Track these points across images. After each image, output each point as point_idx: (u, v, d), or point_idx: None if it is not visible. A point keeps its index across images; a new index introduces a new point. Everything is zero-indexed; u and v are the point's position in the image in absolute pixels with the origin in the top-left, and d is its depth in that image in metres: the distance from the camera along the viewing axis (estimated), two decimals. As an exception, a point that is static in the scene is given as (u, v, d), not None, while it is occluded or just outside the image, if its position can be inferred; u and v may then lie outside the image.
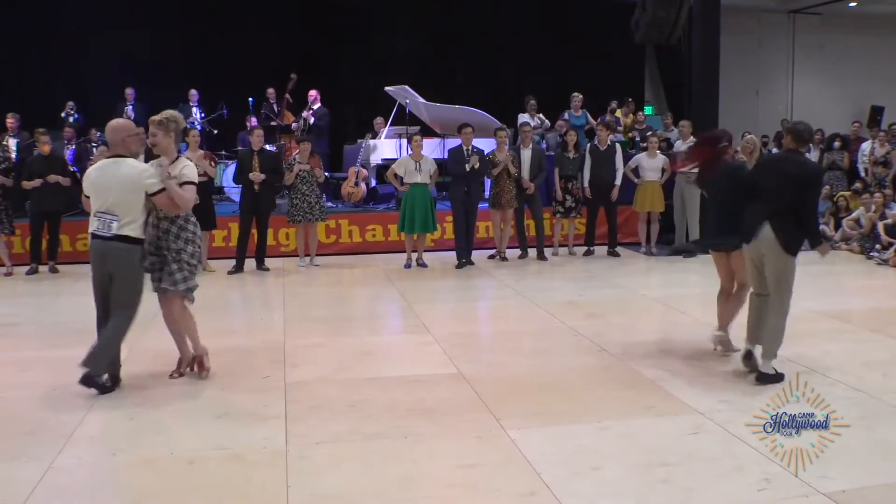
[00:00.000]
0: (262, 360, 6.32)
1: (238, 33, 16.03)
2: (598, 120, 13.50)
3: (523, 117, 13.65)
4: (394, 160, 11.54)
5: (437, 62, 17.53)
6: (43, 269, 10.51)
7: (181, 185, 5.54)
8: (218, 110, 14.32)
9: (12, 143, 12.18)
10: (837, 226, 12.74)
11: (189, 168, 5.69)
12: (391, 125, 13.80)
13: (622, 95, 15.55)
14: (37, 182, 10.21)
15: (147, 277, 5.63)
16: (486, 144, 11.73)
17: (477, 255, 11.07)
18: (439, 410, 5.13)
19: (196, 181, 5.77)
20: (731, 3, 14.73)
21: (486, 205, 11.30)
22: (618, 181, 11.49)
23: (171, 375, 5.83)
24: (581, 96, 14.14)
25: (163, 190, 5.45)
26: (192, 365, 5.89)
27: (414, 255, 10.80)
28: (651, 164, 11.58)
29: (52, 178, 10.28)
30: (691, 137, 11.43)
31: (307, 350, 6.62)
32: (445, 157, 11.43)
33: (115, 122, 5.77)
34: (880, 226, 11.45)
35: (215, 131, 14.37)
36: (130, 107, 13.88)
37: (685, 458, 4.35)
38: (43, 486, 4.07)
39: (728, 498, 3.91)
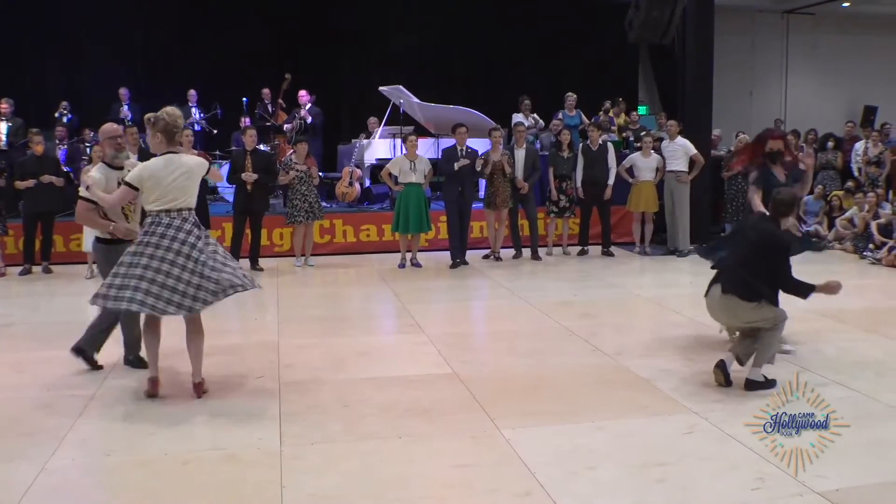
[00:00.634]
0: (256, 360, 6.31)
1: (232, 33, 15.98)
2: (591, 120, 13.52)
3: (517, 117, 13.65)
4: (388, 160, 11.54)
5: (432, 62, 17.52)
6: (36, 269, 10.48)
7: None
8: (212, 110, 14.30)
9: (3, 126, 12.15)
10: (831, 225, 12.78)
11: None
12: (385, 125, 13.79)
13: (616, 95, 15.54)
14: (30, 182, 10.18)
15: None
16: (480, 144, 11.74)
17: (471, 254, 11.07)
18: (434, 410, 5.13)
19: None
20: (725, 3, 14.76)
21: (481, 205, 11.29)
22: (610, 181, 11.50)
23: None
24: (575, 96, 14.15)
25: (83, 198, 5.60)
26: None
27: (408, 255, 10.80)
28: (645, 164, 11.59)
29: (46, 178, 10.25)
30: (678, 137, 11.46)
31: (301, 350, 6.62)
32: (440, 156, 11.43)
33: (103, 126, 5.93)
34: (873, 225, 11.48)
35: (215, 131, 14.34)
36: (126, 107, 13.85)
37: (680, 458, 4.36)
38: (36, 487, 4.06)
39: (723, 497, 3.92)
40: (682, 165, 11.37)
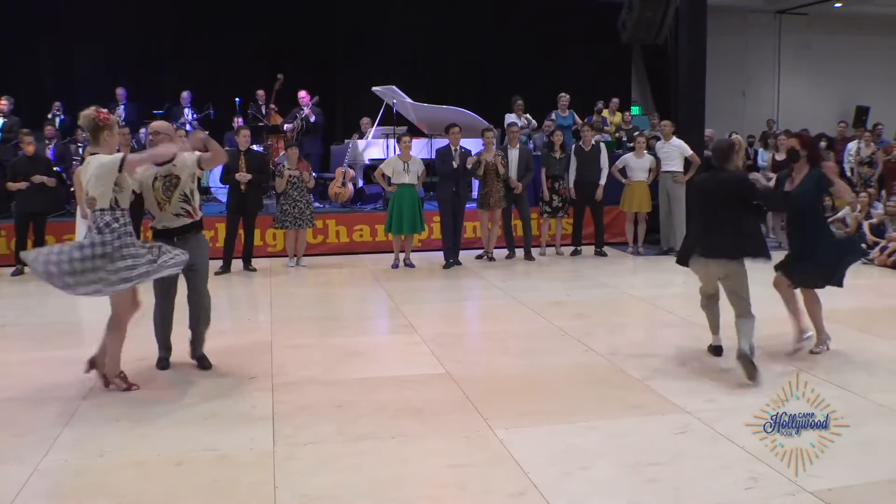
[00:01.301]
0: (249, 360, 6.30)
1: (224, 33, 15.96)
2: (585, 121, 13.54)
3: (510, 117, 13.66)
4: (381, 160, 11.53)
5: (425, 62, 17.50)
6: (28, 269, 10.43)
7: None
8: (205, 110, 14.27)
9: None
10: (823, 225, 12.80)
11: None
12: (378, 125, 13.78)
13: (609, 96, 15.56)
14: (22, 185, 10.13)
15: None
16: (473, 144, 11.74)
17: (464, 255, 11.07)
18: (427, 411, 5.13)
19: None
20: (718, 3, 14.78)
21: (474, 205, 11.30)
22: (602, 181, 11.51)
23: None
24: (568, 96, 14.17)
25: None
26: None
27: (401, 256, 10.80)
28: (638, 165, 11.61)
29: (37, 178, 10.20)
30: (673, 137, 11.48)
31: (295, 351, 6.61)
32: (433, 157, 11.42)
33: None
34: (866, 225, 11.51)
35: (206, 132, 14.29)
36: (122, 107, 13.82)
37: (673, 458, 4.37)
38: (29, 488, 4.05)
39: (715, 496, 3.93)
40: (677, 166, 11.39)
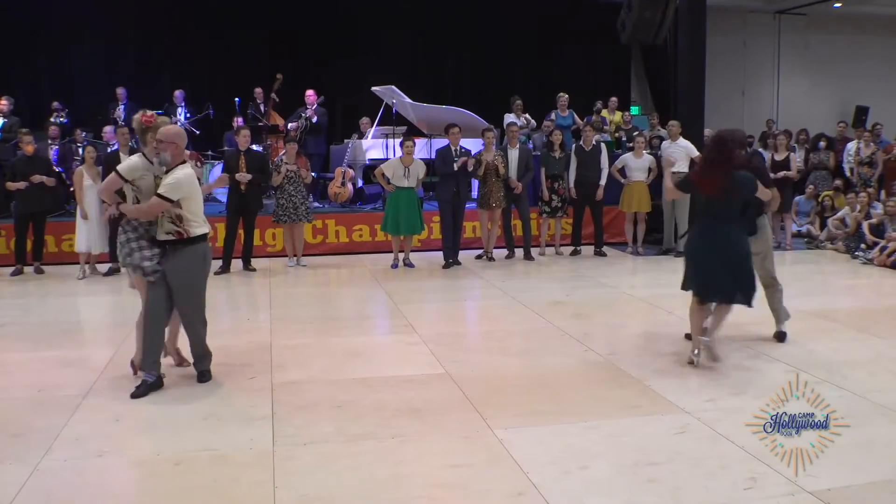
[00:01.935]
0: (248, 360, 6.30)
1: (223, 33, 15.98)
2: (585, 120, 13.54)
3: (510, 117, 13.66)
4: (380, 160, 11.53)
5: (425, 62, 17.53)
6: (28, 269, 10.45)
7: None
8: (204, 110, 14.26)
9: None
10: (823, 225, 12.82)
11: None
12: (378, 125, 13.78)
13: (608, 96, 15.55)
14: (21, 184, 10.12)
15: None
16: (473, 144, 11.74)
17: (464, 255, 11.08)
18: (427, 410, 5.13)
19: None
20: (717, 3, 14.79)
21: (474, 205, 11.30)
22: (602, 181, 11.51)
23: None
24: (567, 96, 14.17)
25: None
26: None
27: (401, 256, 10.80)
28: (637, 165, 11.61)
29: (37, 178, 10.19)
30: (680, 138, 11.47)
31: (294, 350, 6.61)
32: (432, 157, 11.42)
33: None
34: (865, 225, 11.51)
35: (197, 132, 14.29)
36: (122, 107, 13.81)
37: (672, 458, 4.37)
38: (28, 488, 4.05)
39: (714, 496, 3.93)
40: (683, 166, 11.36)
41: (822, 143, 14.21)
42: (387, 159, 11.66)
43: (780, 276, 6.77)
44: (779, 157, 12.26)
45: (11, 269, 10.36)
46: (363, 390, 5.54)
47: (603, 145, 11.90)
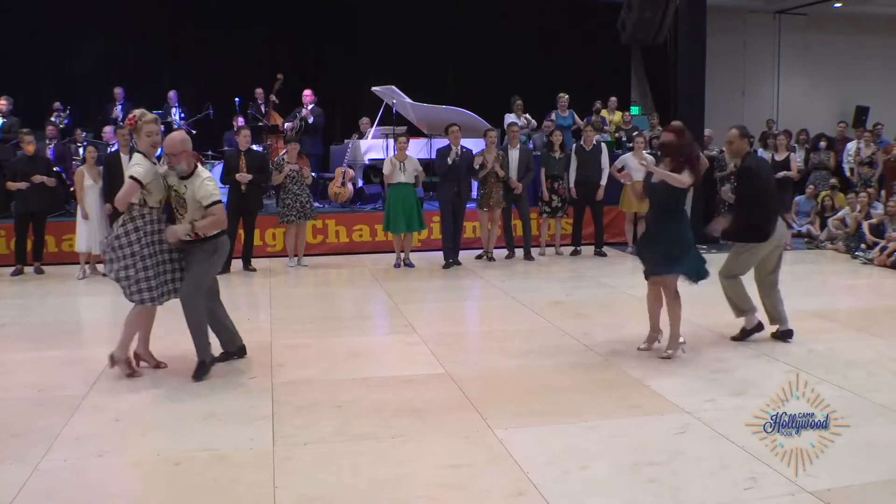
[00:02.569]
0: (248, 360, 6.30)
1: (224, 33, 15.97)
2: (585, 121, 13.54)
3: (510, 117, 13.66)
4: (380, 160, 11.53)
5: (425, 62, 17.54)
6: (28, 269, 10.45)
7: None
8: (204, 110, 14.25)
9: None
10: (823, 225, 12.82)
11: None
12: (378, 125, 13.78)
13: (608, 96, 15.56)
14: (22, 185, 10.12)
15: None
16: (473, 144, 11.74)
17: (464, 255, 11.08)
18: (427, 410, 5.13)
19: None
20: (717, 3, 14.78)
21: (474, 205, 11.30)
22: (603, 181, 11.50)
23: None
24: (567, 96, 14.17)
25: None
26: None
27: (401, 255, 10.79)
28: (637, 165, 11.55)
29: (37, 178, 10.19)
30: None
31: (294, 350, 6.61)
32: (433, 157, 11.42)
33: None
34: (865, 225, 11.51)
35: (194, 132, 14.27)
36: (119, 107, 13.81)
37: (672, 457, 4.37)
38: (28, 488, 4.05)
39: (715, 496, 3.92)
40: None
41: (823, 144, 14.21)
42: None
43: (781, 275, 6.77)
44: (779, 157, 12.26)
45: (11, 269, 10.37)
46: (363, 390, 5.54)
47: (603, 145, 11.91)
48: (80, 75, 15.50)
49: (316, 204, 12.13)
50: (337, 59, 16.81)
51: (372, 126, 13.83)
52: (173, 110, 14.25)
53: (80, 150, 12.10)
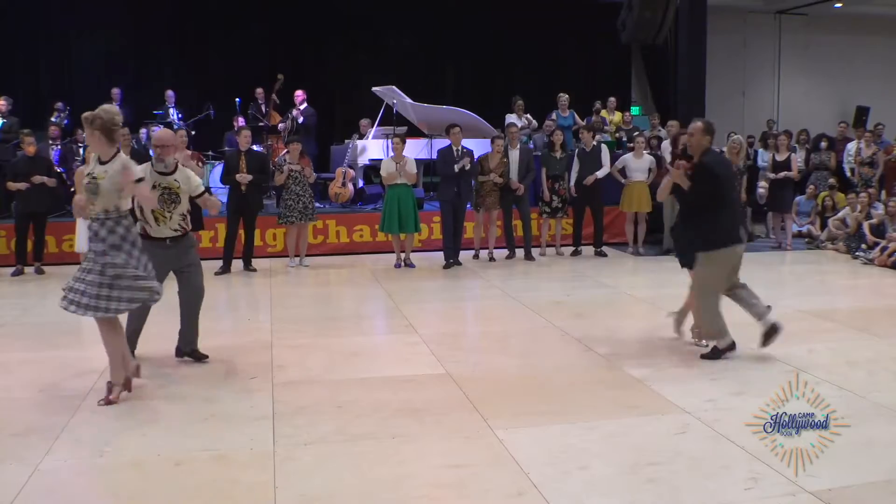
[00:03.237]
0: (249, 361, 6.30)
1: (224, 33, 16.00)
2: (585, 121, 13.54)
3: (510, 118, 13.67)
4: (381, 161, 11.52)
5: (425, 63, 17.54)
6: (28, 270, 10.45)
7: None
8: (205, 111, 14.25)
9: None
10: (823, 225, 12.82)
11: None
12: (378, 126, 13.78)
13: (608, 95, 15.55)
14: (22, 185, 10.13)
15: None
16: (474, 145, 11.72)
17: (464, 255, 11.08)
18: (427, 411, 5.13)
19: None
20: (718, 3, 14.80)
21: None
22: (600, 174, 11.46)
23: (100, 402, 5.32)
24: (568, 97, 14.17)
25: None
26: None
27: (402, 256, 10.79)
28: (638, 165, 11.60)
29: (37, 178, 10.20)
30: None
31: (294, 351, 6.61)
32: (433, 157, 11.41)
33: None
34: (865, 226, 11.50)
35: (193, 132, 14.26)
36: (117, 107, 13.76)
37: (672, 458, 4.37)
38: (29, 488, 4.05)
39: (715, 497, 3.92)
40: None
41: (823, 144, 14.20)
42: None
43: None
44: (780, 157, 12.26)
45: (12, 269, 10.37)
46: (363, 390, 5.54)
47: (604, 145, 11.91)
48: (80, 75, 15.51)
49: (316, 204, 12.13)
50: (337, 59, 16.82)
51: (372, 126, 13.83)
52: (171, 110, 14.24)
53: (81, 151, 12.10)
